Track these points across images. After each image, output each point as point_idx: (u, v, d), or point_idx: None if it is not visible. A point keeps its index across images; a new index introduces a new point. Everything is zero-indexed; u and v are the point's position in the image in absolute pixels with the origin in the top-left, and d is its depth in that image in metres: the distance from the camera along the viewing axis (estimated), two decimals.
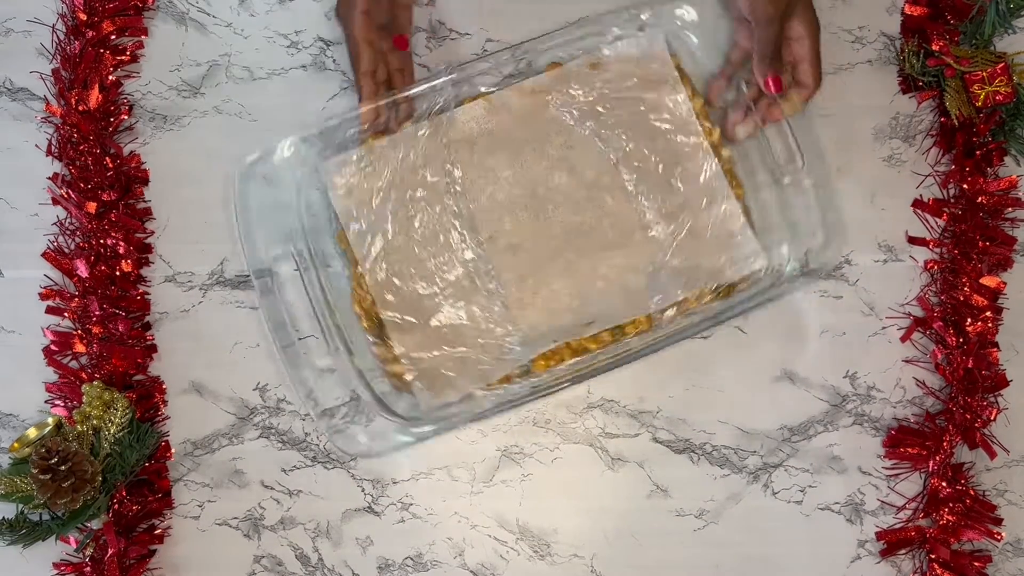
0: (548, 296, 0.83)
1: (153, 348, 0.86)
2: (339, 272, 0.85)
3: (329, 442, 0.85)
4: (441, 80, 0.82)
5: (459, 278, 0.83)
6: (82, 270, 0.85)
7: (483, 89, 0.85)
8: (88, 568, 0.82)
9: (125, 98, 0.89)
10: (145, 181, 0.88)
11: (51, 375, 0.86)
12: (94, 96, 0.87)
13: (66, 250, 0.87)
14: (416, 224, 0.84)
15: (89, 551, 0.82)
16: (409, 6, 0.85)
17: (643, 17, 0.84)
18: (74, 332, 0.85)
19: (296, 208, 0.83)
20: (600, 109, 0.85)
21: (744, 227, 0.84)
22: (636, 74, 0.85)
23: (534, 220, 0.84)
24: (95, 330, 0.85)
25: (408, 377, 0.82)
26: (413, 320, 0.83)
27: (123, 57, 0.89)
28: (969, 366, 0.84)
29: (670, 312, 0.83)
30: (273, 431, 0.86)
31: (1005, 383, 0.84)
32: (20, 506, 0.80)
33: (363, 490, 0.85)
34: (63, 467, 0.77)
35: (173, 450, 0.86)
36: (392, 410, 0.81)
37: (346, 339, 0.81)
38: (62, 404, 0.85)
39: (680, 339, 0.81)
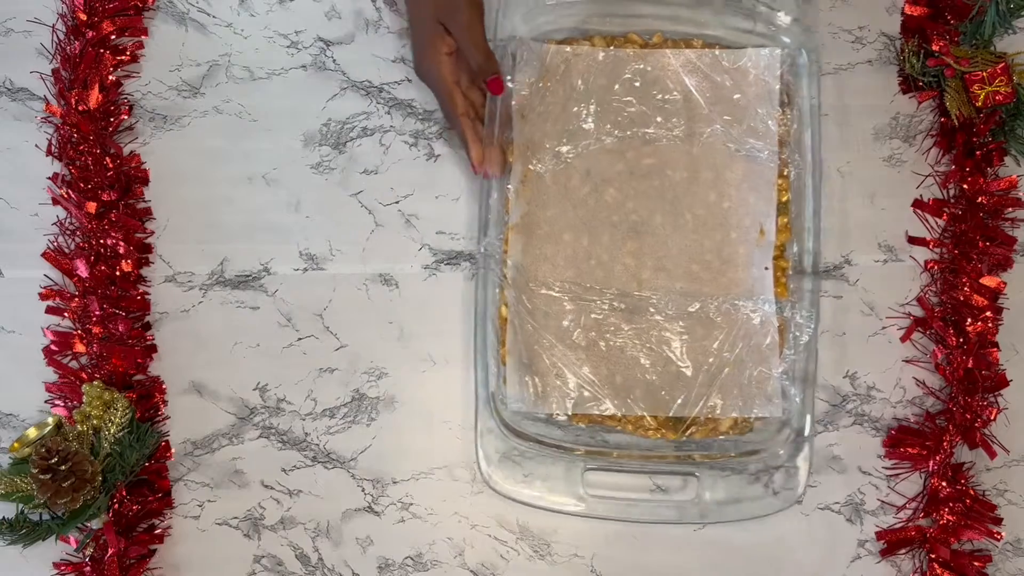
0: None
1: (153, 348, 0.86)
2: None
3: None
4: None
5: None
6: (82, 270, 0.85)
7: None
8: (88, 568, 0.82)
9: (125, 98, 0.89)
10: (145, 181, 0.88)
11: (51, 375, 0.86)
12: (94, 96, 0.87)
13: (66, 250, 0.87)
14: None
15: (89, 551, 0.82)
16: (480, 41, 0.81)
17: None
18: (74, 332, 0.85)
19: None
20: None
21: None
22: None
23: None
24: (95, 330, 0.85)
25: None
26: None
27: (123, 57, 0.89)
28: (969, 366, 0.84)
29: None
30: (273, 431, 0.86)
31: (1005, 383, 0.84)
32: (20, 506, 0.80)
33: (363, 490, 0.85)
34: (63, 467, 0.77)
35: (173, 450, 0.86)
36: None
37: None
38: (62, 404, 0.85)
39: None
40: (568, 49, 0.86)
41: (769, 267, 0.84)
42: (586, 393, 0.83)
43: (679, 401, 0.83)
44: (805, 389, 0.82)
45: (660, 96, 0.86)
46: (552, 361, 0.83)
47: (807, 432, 0.81)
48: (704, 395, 0.83)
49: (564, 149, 0.85)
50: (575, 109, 0.86)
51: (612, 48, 0.87)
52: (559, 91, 0.86)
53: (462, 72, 0.83)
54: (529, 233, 0.85)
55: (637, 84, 0.86)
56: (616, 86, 0.86)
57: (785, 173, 0.85)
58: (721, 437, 0.83)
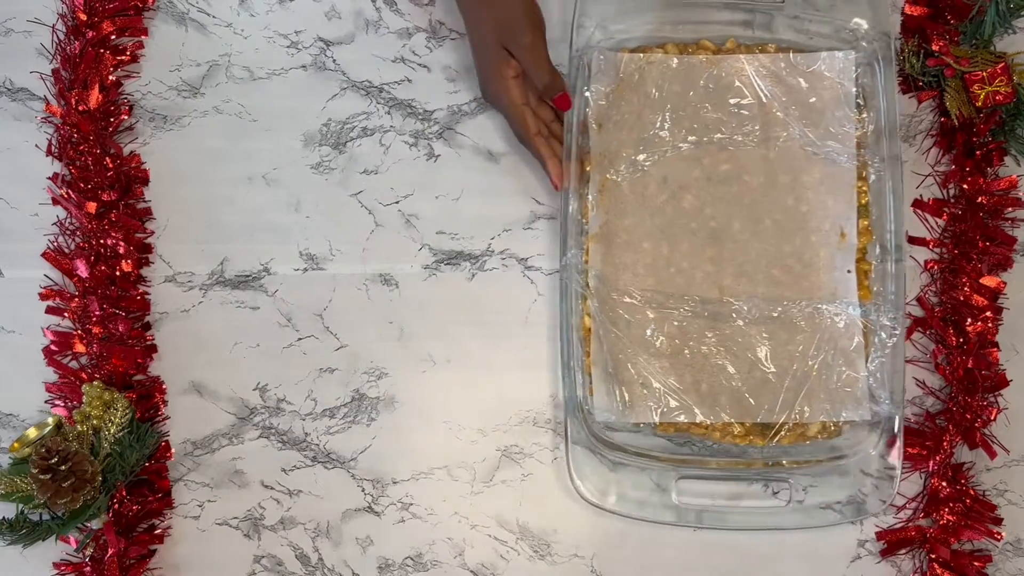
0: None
1: (153, 348, 0.86)
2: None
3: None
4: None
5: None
6: (82, 270, 0.85)
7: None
8: (88, 568, 0.82)
9: (125, 98, 0.89)
10: (145, 181, 0.88)
11: (51, 375, 0.86)
12: (94, 96, 0.87)
13: (66, 250, 0.87)
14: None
15: (89, 551, 0.82)
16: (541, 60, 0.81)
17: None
18: (74, 332, 0.85)
19: None
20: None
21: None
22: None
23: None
24: (95, 330, 0.85)
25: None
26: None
27: (123, 57, 0.89)
28: (969, 366, 0.84)
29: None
30: (273, 431, 0.86)
31: (1005, 383, 0.84)
32: (20, 506, 0.80)
33: (363, 490, 0.85)
34: (63, 467, 0.77)
35: (173, 450, 0.86)
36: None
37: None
38: (62, 404, 0.85)
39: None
40: (642, 57, 0.86)
41: (852, 270, 0.84)
42: (672, 402, 0.83)
43: (766, 407, 0.83)
44: (894, 390, 0.81)
45: (735, 101, 0.86)
46: (637, 370, 0.83)
47: (896, 430, 0.81)
48: (791, 400, 0.82)
49: (640, 157, 0.85)
50: (650, 117, 0.86)
51: (685, 55, 0.87)
52: (634, 99, 0.86)
53: (530, 92, 0.83)
54: (608, 242, 0.84)
55: (711, 90, 0.86)
56: (691, 92, 0.86)
57: (864, 175, 0.85)
58: (809, 442, 0.83)
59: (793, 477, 0.82)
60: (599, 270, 0.84)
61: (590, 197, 0.85)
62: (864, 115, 0.85)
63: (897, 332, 0.82)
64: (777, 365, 0.83)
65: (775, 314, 0.83)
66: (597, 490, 0.82)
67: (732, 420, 0.83)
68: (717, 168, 0.85)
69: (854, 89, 0.86)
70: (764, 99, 0.86)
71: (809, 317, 0.83)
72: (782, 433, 0.83)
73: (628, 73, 0.86)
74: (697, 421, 0.83)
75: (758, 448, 0.83)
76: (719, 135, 0.85)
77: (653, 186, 0.85)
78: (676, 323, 0.83)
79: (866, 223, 0.85)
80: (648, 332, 0.83)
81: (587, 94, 0.85)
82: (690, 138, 0.85)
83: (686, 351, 0.83)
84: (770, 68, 0.86)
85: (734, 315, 0.83)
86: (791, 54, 0.86)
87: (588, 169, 0.85)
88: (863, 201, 0.85)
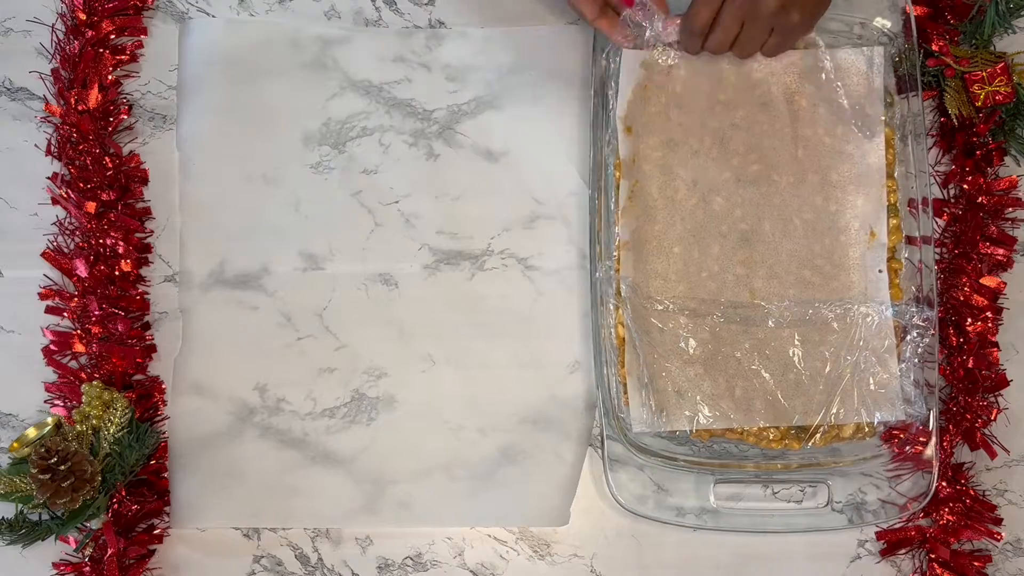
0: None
1: (153, 348, 0.86)
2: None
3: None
4: None
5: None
6: (81, 270, 0.85)
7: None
8: (87, 568, 0.82)
9: (124, 98, 0.89)
10: (144, 181, 0.88)
11: (51, 375, 0.85)
12: (93, 96, 0.87)
13: (65, 250, 0.87)
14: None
15: (88, 551, 0.82)
16: None
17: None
18: (74, 332, 0.85)
19: None
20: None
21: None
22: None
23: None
24: (94, 330, 0.85)
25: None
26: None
27: (122, 57, 0.89)
28: (969, 366, 0.84)
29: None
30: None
31: (1005, 383, 0.84)
32: (20, 506, 0.80)
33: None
34: (62, 467, 0.77)
35: None
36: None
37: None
38: (62, 404, 0.85)
39: None
40: (668, 56, 0.85)
41: (883, 269, 0.83)
42: (707, 408, 0.82)
43: (800, 410, 0.82)
44: (927, 390, 0.81)
45: (762, 100, 0.85)
46: (671, 378, 0.82)
47: (931, 427, 0.81)
48: (825, 402, 0.82)
49: (669, 161, 0.84)
50: (678, 118, 0.85)
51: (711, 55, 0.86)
52: (661, 100, 0.85)
53: None
54: (639, 250, 0.84)
55: (739, 89, 0.85)
56: (718, 92, 0.85)
57: (893, 174, 0.85)
58: (843, 443, 0.83)
59: (832, 479, 0.82)
60: (631, 279, 0.83)
61: (620, 204, 0.84)
62: (892, 113, 0.85)
63: (931, 331, 0.81)
64: (810, 367, 0.82)
65: (807, 316, 0.83)
66: (639, 500, 0.82)
67: (767, 425, 0.82)
68: (747, 169, 0.84)
69: (881, 86, 0.85)
70: (792, 97, 0.85)
71: (840, 318, 0.83)
72: (817, 436, 0.82)
73: (655, 73, 0.85)
74: (732, 427, 0.82)
75: (795, 451, 0.83)
76: (747, 134, 0.85)
77: (683, 189, 0.84)
78: (708, 329, 0.83)
79: (896, 221, 0.84)
80: (681, 338, 0.83)
81: (615, 96, 0.85)
82: (719, 139, 0.85)
83: (719, 356, 0.83)
84: (798, 65, 0.85)
85: (766, 318, 0.83)
86: (818, 51, 0.86)
87: (618, 176, 0.84)
88: (892, 200, 0.85)
